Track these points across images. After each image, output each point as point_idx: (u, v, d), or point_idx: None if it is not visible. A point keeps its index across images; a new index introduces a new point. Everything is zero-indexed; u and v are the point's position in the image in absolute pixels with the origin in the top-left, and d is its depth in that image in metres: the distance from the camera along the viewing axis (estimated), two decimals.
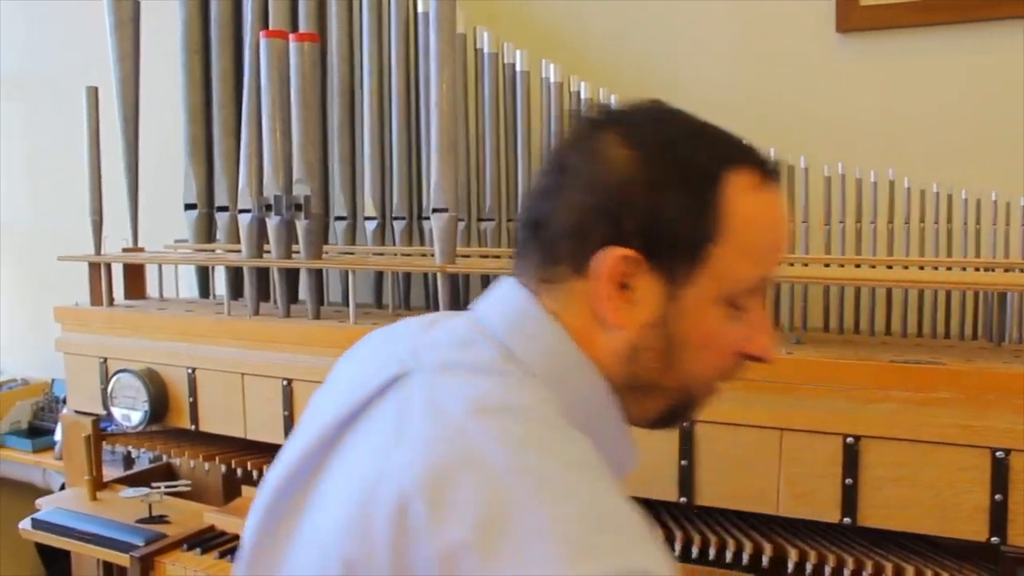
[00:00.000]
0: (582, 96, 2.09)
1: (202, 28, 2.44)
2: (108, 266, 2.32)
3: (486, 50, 2.17)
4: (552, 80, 2.11)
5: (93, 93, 2.33)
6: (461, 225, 2.16)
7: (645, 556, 0.66)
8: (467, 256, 2.09)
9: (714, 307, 0.85)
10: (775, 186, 0.88)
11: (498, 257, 2.11)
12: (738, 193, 0.83)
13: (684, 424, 1.52)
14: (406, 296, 2.27)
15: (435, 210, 1.82)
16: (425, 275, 2.26)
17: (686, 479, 1.55)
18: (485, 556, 0.65)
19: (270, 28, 2.22)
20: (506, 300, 0.90)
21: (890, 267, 1.80)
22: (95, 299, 2.32)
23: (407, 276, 2.27)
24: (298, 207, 1.94)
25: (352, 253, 2.23)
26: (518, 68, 2.16)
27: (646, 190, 0.82)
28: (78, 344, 2.25)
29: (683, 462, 1.55)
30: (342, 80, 2.26)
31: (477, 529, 0.66)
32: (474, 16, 2.23)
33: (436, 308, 2.21)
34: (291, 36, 1.97)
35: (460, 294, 2.18)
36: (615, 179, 0.83)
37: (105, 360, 2.16)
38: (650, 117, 0.88)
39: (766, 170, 0.86)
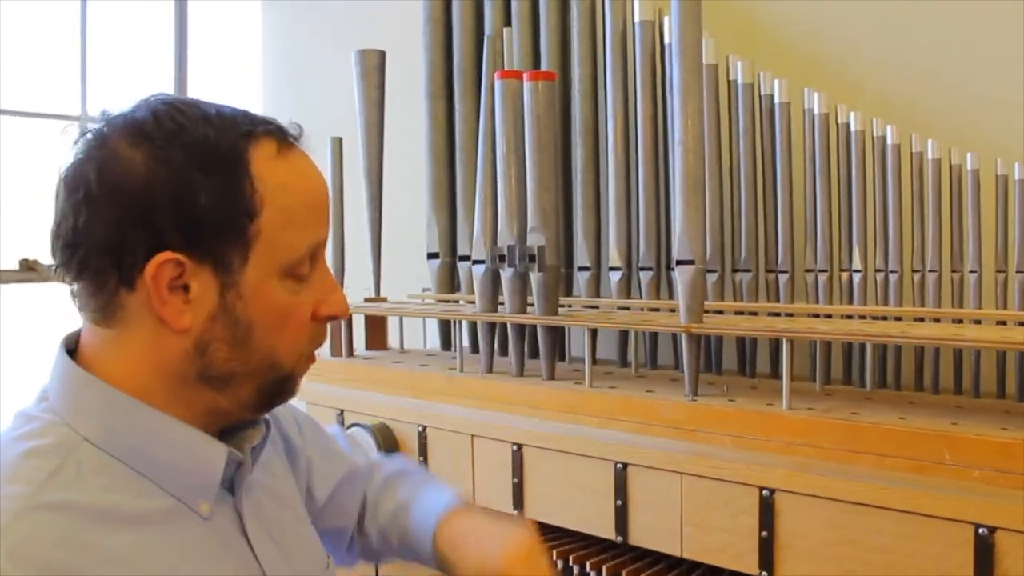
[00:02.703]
0: (852, 128, 1.83)
1: (445, 74, 2.39)
2: (349, 316, 2.27)
3: (740, 80, 1.96)
4: (816, 111, 1.87)
5: (338, 143, 2.32)
6: (713, 277, 1.94)
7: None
8: (720, 312, 1.87)
9: (276, 282, 0.84)
10: (297, 150, 0.88)
11: (755, 313, 1.88)
12: (263, 164, 0.83)
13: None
14: (652, 353, 2.06)
15: (679, 262, 1.62)
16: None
17: None
18: None
19: (510, 69, 2.11)
20: (56, 368, 0.87)
21: None
22: (335, 350, 2.28)
23: (654, 332, 2.06)
24: (531, 258, 1.80)
25: (596, 307, 2.06)
26: (776, 99, 1.92)
27: (171, 186, 0.79)
28: (315, 394, 2.20)
29: None
30: (584, 120, 2.11)
31: None
32: (725, 45, 2.01)
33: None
34: (526, 75, 1.84)
35: (712, 355, 1.95)
36: (137, 182, 0.79)
37: (342, 412, 2.11)
38: (152, 112, 0.83)
39: (283, 136, 0.86)
